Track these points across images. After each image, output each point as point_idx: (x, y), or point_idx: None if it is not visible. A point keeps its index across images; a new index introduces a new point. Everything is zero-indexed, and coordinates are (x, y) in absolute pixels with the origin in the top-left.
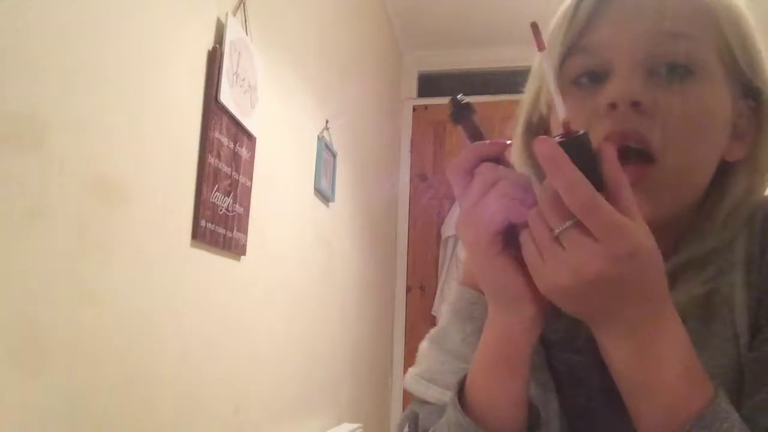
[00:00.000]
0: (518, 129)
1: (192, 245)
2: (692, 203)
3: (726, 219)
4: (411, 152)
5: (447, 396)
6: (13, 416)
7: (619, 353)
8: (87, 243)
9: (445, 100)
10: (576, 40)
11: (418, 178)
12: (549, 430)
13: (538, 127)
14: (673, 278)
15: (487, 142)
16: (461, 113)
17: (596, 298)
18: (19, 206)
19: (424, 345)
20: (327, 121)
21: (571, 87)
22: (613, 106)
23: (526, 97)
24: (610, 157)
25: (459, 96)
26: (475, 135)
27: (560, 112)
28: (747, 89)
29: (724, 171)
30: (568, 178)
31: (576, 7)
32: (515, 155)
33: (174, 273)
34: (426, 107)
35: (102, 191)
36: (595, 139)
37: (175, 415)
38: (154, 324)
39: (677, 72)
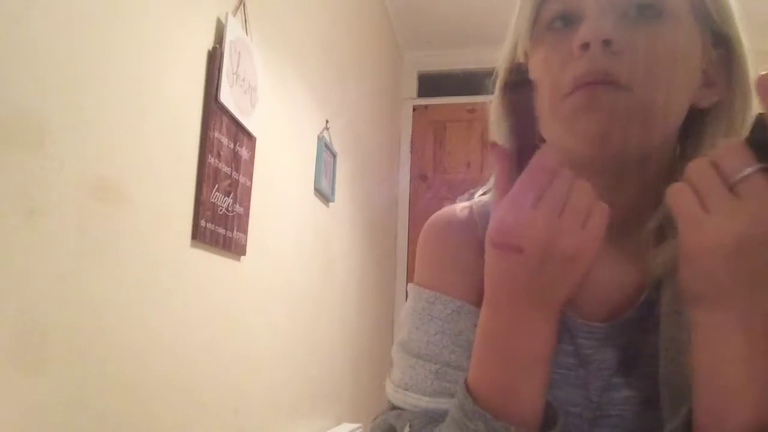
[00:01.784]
0: (498, 83)
1: (192, 245)
2: (662, 147)
3: None
4: (411, 152)
5: (423, 401)
6: (13, 416)
7: (738, 338)
8: (87, 243)
9: (445, 100)
10: None
11: (418, 178)
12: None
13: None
14: (662, 233)
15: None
16: (521, 85)
17: (761, 258)
18: (19, 206)
19: (393, 351)
20: (327, 121)
21: (547, 32)
22: (585, 46)
23: (503, 53)
24: None
25: (522, 65)
26: (525, 117)
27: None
28: (717, 37)
29: (698, 119)
30: None
31: None
32: (494, 110)
33: (174, 273)
34: (426, 107)
35: (102, 191)
36: (567, 79)
37: (175, 415)
38: (154, 324)
39: (647, 13)
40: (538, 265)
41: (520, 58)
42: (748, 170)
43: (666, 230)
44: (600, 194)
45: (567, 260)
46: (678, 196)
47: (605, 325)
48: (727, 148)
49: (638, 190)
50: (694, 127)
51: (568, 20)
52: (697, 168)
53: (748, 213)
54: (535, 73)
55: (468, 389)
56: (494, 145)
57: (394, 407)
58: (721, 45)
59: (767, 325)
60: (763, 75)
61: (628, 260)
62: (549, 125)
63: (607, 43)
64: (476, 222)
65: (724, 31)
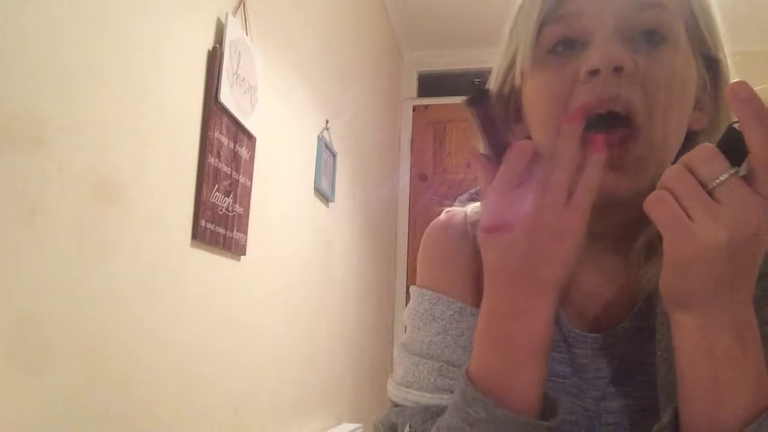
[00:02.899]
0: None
1: (192, 245)
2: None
3: None
4: (411, 152)
5: (425, 397)
6: (13, 416)
7: (724, 336)
8: (87, 243)
9: (445, 100)
10: (553, 10)
11: (418, 178)
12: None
13: (509, 98)
14: (651, 249)
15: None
16: (477, 100)
17: (740, 261)
18: (19, 206)
19: (395, 351)
20: (327, 121)
21: (548, 56)
22: (594, 72)
23: (497, 67)
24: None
25: (476, 80)
26: (489, 127)
27: None
28: (707, 60)
29: (688, 141)
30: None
31: None
32: None
33: (174, 273)
34: (426, 107)
35: (102, 191)
36: (575, 105)
37: (175, 415)
38: (154, 323)
39: (652, 39)
40: (527, 244)
41: (517, 79)
42: (725, 175)
43: (656, 245)
44: (596, 212)
45: (554, 236)
46: (660, 205)
47: (600, 336)
48: (701, 154)
49: (634, 207)
50: (681, 149)
51: (571, 44)
52: (674, 175)
53: (731, 218)
54: (534, 97)
55: (469, 377)
56: (474, 153)
57: (396, 406)
58: (710, 68)
59: (748, 322)
60: (733, 84)
61: (625, 273)
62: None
63: (618, 69)
64: (468, 231)
65: (714, 54)
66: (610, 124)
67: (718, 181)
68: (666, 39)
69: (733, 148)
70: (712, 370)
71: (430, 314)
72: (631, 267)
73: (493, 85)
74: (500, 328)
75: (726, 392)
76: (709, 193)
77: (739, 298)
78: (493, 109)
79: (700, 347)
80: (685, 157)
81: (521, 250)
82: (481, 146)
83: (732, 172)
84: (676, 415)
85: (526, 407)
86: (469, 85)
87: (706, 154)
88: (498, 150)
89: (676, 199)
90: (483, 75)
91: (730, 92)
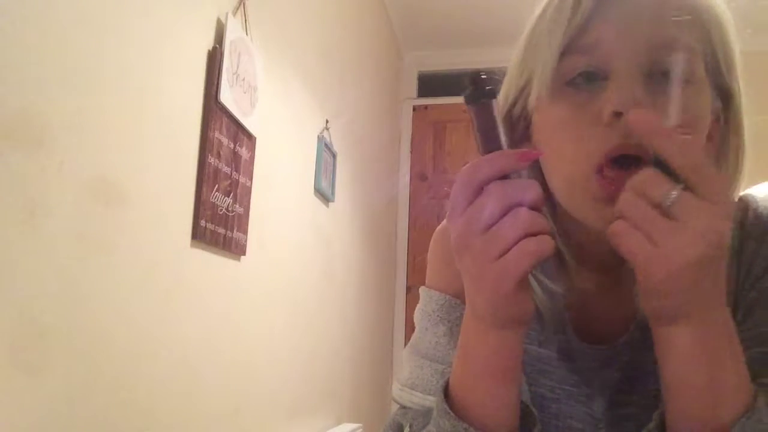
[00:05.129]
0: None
1: (192, 245)
2: None
3: None
4: (411, 152)
5: (429, 400)
6: (13, 416)
7: (713, 343)
8: (87, 243)
9: (445, 100)
10: (574, 40)
11: (418, 178)
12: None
13: (518, 120)
14: None
15: (512, 152)
16: (480, 96)
17: (713, 269)
18: (19, 206)
19: (403, 352)
20: (327, 121)
21: (566, 87)
22: (617, 114)
23: (508, 86)
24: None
25: (480, 73)
26: (489, 129)
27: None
28: (719, 91)
29: None
30: (676, 140)
31: (575, 5)
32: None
33: (174, 273)
34: (426, 107)
35: (102, 191)
36: (596, 148)
37: (175, 415)
38: (154, 323)
39: (675, 78)
40: (466, 269)
41: (531, 103)
42: (675, 192)
43: None
44: (600, 238)
45: (475, 281)
46: (622, 236)
47: (605, 347)
48: (646, 178)
49: None
50: None
51: (592, 77)
52: (627, 203)
53: (692, 233)
54: (551, 130)
55: (447, 387)
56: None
57: (402, 407)
58: (722, 98)
59: (727, 322)
60: (633, 114)
61: (628, 289)
62: (564, 191)
63: None
64: None
65: (728, 85)
66: (624, 165)
67: (671, 199)
68: (689, 81)
69: (665, 167)
70: (706, 375)
71: (438, 315)
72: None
73: (503, 101)
74: (463, 342)
75: (720, 395)
76: (666, 213)
77: (719, 302)
78: (493, 110)
79: (691, 355)
80: (630, 184)
81: (465, 272)
82: (476, 147)
83: (680, 187)
84: (663, 420)
85: (487, 424)
86: (473, 78)
87: (651, 177)
88: (491, 153)
89: (637, 226)
90: (488, 72)
91: (631, 121)
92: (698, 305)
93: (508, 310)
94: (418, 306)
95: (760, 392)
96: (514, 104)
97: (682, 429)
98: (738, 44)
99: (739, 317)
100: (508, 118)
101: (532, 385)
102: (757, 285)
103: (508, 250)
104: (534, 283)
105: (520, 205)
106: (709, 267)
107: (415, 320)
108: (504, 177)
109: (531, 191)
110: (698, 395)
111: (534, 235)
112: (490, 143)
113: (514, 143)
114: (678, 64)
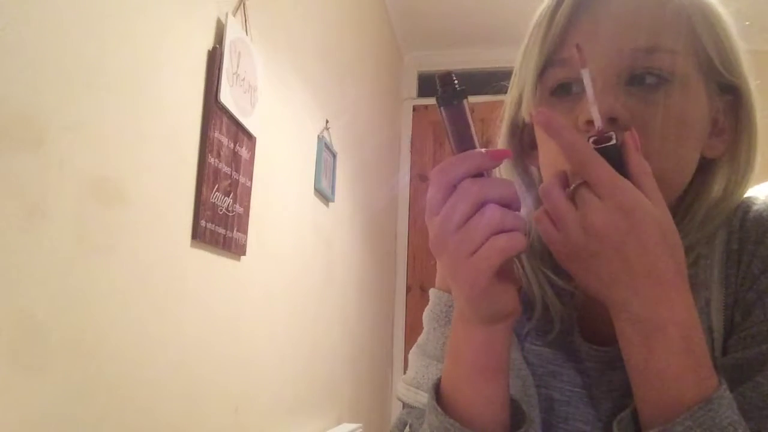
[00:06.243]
0: (503, 130)
1: (192, 245)
2: (671, 201)
3: (704, 217)
4: (411, 152)
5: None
6: (13, 416)
7: (626, 336)
8: (87, 243)
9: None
10: (552, 54)
11: (418, 178)
12: (532, 424)
13: (523, 129)
14: None
15: (483, 151)
16: (451, 97)
17: (605, 262)
18: (19, 206)
19: (411, 352)
20: (327, 121)
21: (550, 98)
22: (590, 122)
23: (509, 100)
24: (632, 148)
25: (451, 73)
26: (461, 129)
27: (597, 123)
28: (723, 86)
29: (704, 168)
30: (567, 138)
31: (550, 19)
32: (503, 135)
33: (174, 273)
34: (426, 107)
35: (102, 191)
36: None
37: (175, 415)
38: (154, 323)
39: (652, 81)
40: (445, 267)
41: (525, 117)
42: (573, 186)
43: None
44: None
45: (455, 278)
46: (538, 222)
47: (610, 348)
48: (562, 171)
49: None
50: (697, 174)
51: (570, 88)
52: (543, 191)
53: (580, 224)
54: (539, 139)
55: (437, 384)
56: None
57: (407, 406)
58: (729, 91)
59: (655, 316)
60: (535, 114)
61: None
62: None
63: (612, 120)
64: None
65: (730, 81)
66: None
67: (570, 190)
68: (668, 80)
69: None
70: (640, 357)
71: (446, 316)
72: None
73: (506, 114)
74: (452, 340)
75: (664, 380)
76: (572, 197)
77: (653, 291)
78: (464, 110)
79: (623, 337)
80: (550, 176)
81: (445, 271)
82: (450, 147)
83: (579, 181)
84: (634, 405)
85: (472, 422)
86: (443, 79)
87: (567, 170)
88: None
89: (546, 212)
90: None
91: (535, 120)
92: (618, 291)
93: (487, 305)
94: (428, 307)
95: (725, 385)
96: (516, 113)
97: (644, 414)
98: (741, 41)
99: (738, 317)
100: (513, 126)
101: (542, 387)
102: (755, 285)
103: (480, 247)
104: (545, 283)
105: (491, 202)
106: (600, 256)
107: (423, 321)
108: (478, 175)
109: (502, 188)
110: (643, 379)
111: (506, 231)
112: (463, 143)
113: (522, 149)
114: (653, 68)
